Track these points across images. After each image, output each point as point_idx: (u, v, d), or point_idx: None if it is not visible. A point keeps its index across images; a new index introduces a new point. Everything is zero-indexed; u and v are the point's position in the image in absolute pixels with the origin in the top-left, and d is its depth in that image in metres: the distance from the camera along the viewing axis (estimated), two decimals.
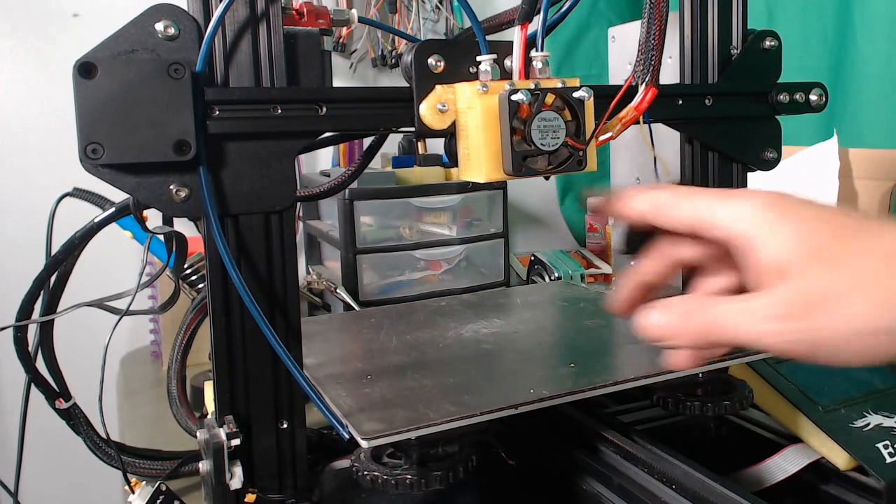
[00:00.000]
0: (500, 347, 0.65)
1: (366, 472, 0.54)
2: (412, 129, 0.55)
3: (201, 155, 0.49)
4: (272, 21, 0.51)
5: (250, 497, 0.53)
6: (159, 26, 0.48)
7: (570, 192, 1.71)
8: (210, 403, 0.57)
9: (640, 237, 0.62)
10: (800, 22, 1.35)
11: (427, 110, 0.54)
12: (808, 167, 1.19)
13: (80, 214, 0.66)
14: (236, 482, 0.51)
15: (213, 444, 0.51)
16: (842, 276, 0.35)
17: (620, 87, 0.58)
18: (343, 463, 0.64)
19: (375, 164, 1.19)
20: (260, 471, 0.54)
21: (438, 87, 0.55)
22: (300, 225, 1.36)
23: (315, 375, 0.58)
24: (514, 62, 0.55)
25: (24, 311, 0.65)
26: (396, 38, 1.45)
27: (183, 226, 0.63)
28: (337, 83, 1.41)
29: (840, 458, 0.60)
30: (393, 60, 1.45)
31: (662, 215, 0.43)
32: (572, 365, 0.59)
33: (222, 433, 0.51)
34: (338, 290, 1.07)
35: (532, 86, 0.53)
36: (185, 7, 0.50)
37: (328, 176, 1.20)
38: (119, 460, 0.68)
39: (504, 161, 0.53)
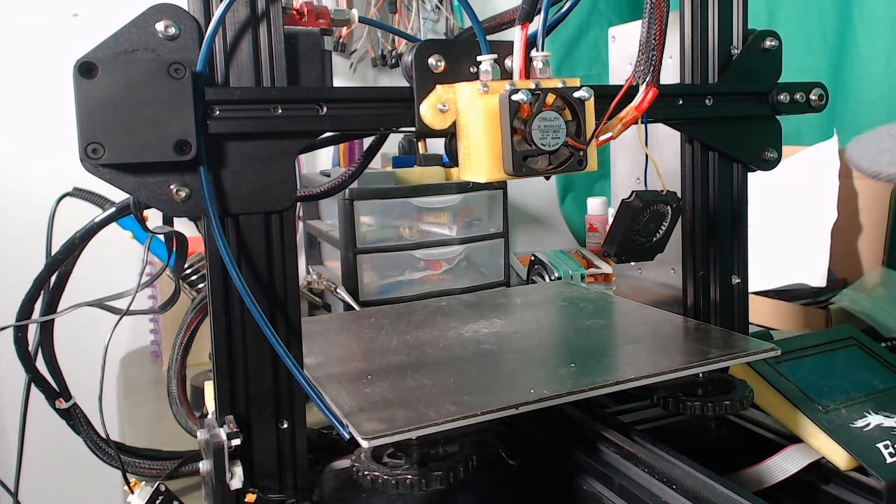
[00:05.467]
0: (500, 347, 0.65)
1: (366, 472, 0.54)
2: (412, 129, 0.55)
3: (202, 155, 0.49)
4: (273, 21, 0.51)
5: (250, 497, 0.53)
6: (160, 26, 0.48)
7: (571, 192, 1.71)
8: (210, 403, 0.57)
9: (628, 247, 0.62)
10: (800, 22, 1.35)
11: (427, 110, 0.54)
12: (808, 167, 1.19)
13: (80, 214, 0.66)
14: (236, 482, 0.51)
15: (213, 444, 0.51)
16: None
17: (621, 87, 0.58)
18: (343, 463, 0.64)
19: (375, 164, 1.19)
20: (260, 471, 0.54)
21: (439, 87, 0.55)
22: (300, 225, 1.36)
23: (315, 375, 0.58)
24: (515, 62, 0.55)
25: (24, 311, 0.65)
26: (396, 38, 1.45)
27: (183, 226, 0.63)
28: (337, 83, 1.41)
29: (840, 458, 0.60)
30: (393, 60, 1.45)
31: None
32: (572, 365, 0.59)
33: (223, 433, 0.51)
34: (338, 290, 1.07)
35: (533, 86, 0.53)
36: (185, 7, 0.50)
37: (328, 176, 1.20)
38: (119, 460, 0.68)
39: (504, 161, 0.53)
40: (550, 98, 0.54)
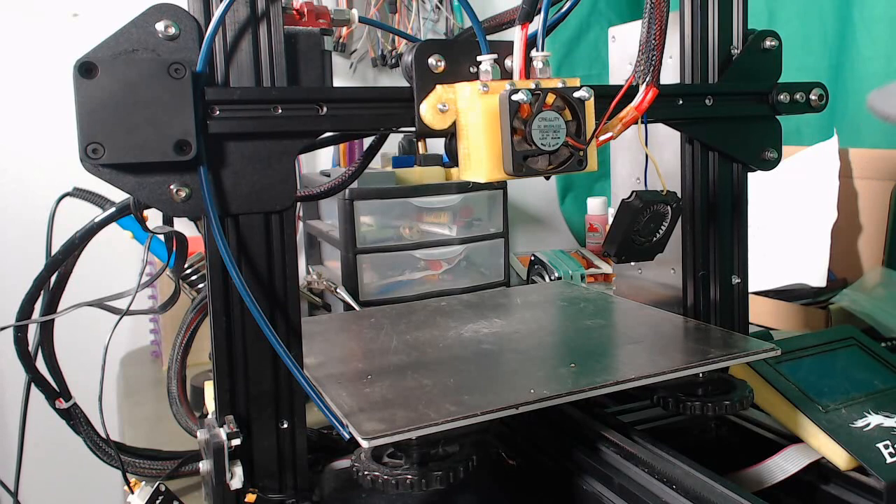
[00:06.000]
0: (500, 347, 0.65)
1: (366, 472, 0.54)
2: (412, 129, 0.55)
3: (202, 155, 0.49)
4: (273, 21, 0.51)
5: (250, 497, 0.53)
6: (160, 26, 0.48)
7: (571, 192, 1.71)
8: (210, 403, 0.57)
9: (628, 247, 0.62)
10: (800, 22, 1.35)
11: (427, 110, 0.54)
12: (808, 167, 1.19)
13: (80, 214, 0.66)
14: (236, 482, 0.51)
15: (213, 444, 0.51)
16: None
17: (621, 87, 0.58)
18: (343, 463, 0.64)
19: (375, 164, 1.19)
20: (260, 471, 0.54)
21: (439, 87, 0.55)
22: (300, 225, 1.36)
23: (315, 375, 0.58)
24: (515, 62, 0.55)
25: (24, 311, 0.65)
26: (396, 38, 1.45)
27: (183, 226, 0.63)
28: (337, 83, 1.41)
29: (840, 458, 0.60)
30: (393, 60, 1.45)
31: None
32: (572, 365, 0.59)
33: (223, 433, 0.51)
34: (338, 290, 1.07)
35: (533, 86, 0.53)
36: (185, 7, 0.50)
37: (328, 176, 1.20)
38: (119, 460, 0.68)
39: (504, 161, 0.53)
40: (550, 98, 0.54)
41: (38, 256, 0.67)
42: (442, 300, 0.85)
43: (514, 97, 0.52)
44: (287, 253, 0.54)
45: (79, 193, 0.70)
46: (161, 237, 0.67)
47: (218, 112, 0.49)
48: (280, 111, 0.51)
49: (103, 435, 0.67)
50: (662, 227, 0.63)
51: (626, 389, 0.56)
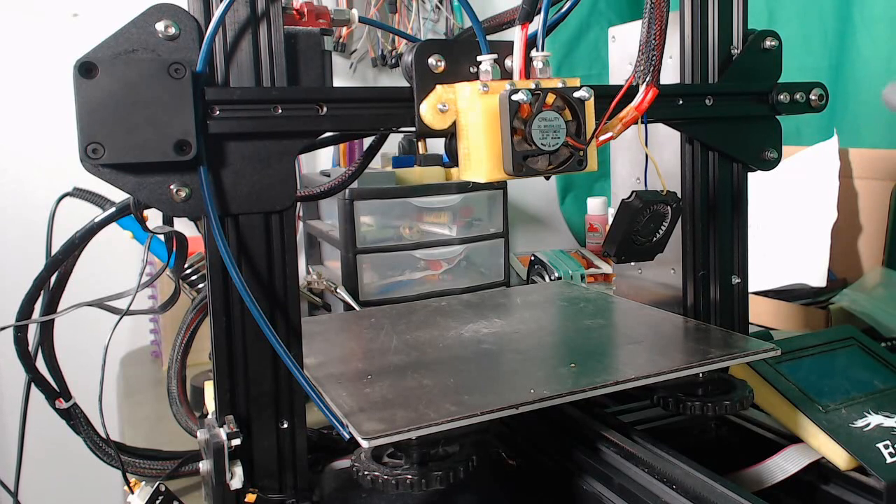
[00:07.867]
0: (500, 347, 0.65)
1: (366, 472, 0.54)
2: (412, 129, 0.55)
3: (202, 155, 0.49)
4: (273, 21, 0.51)
5: (250, 497, 0.53)
6: (160, 26, 0.48)
7: (571, 192, 1.71)
8: (210, 403, 0.57)
9: (628, 247, 0.62)
10: (800, 22, 1.35)
11: (427, 110, 0.54)
12: (808, 167, 1.19)
13: (80, 214, 0.66)
14: (237, 482, 0.51)
15: (213, 444, 0.51)
16: None
17: (621, 87, 0.58)
18: (343, 463, 0.64)
19: (375, 164, 1.19)
20: (260, 471, 0.54)
21: (439, 87, 0.55)
22: (300, 225, 1.36)
23: (315, 375, 0.58)
24: (515, 62, 0.55)
25: (24, 311, 0.65)
26: (396, 38, 1.45)
27: (183, 226, 0.63)
28: (337, 83, 1.41)
29: (840, 458, 0.60)
30: (393, 60, 1.45)
31: None
32: (572, 365, 0.59)
33: (223, 433, 0.51)
34: (338, 290, 1.07)
35: (533, 86, 0.53)
36: (185, 7, 0.50)
37: (328, 176, 1.20)
38: (119, 460, 0.68)
39: (504, 161, 0.53)
40: (550, 98, 0.54)
41: (38, 256, 0.67)
42: (442, 300, 0.85)
43: (514, 97, 0.52)
44: (287, 253, 0.54)
45: (79, 193, 0.70)
46: (161, 237, 0.66)
47: (218, 112, 0.49)
48: (280, 111, 0.51)
49: (103, 435, 0.67)
50: (662, 227, 0.63)
51: (626, 389, 0.56)
